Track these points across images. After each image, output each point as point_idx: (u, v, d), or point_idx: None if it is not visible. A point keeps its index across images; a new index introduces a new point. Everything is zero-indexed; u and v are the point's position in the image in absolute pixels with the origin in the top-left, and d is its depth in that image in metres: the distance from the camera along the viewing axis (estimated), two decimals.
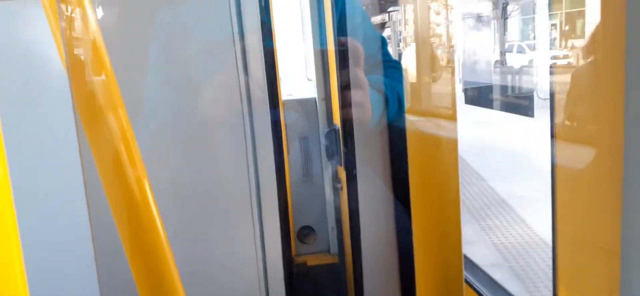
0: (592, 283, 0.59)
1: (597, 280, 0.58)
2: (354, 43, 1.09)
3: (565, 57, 0.79)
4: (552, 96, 0.72)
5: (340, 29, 1.12)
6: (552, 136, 0.72)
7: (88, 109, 0.57)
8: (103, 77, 0.58)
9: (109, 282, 0.95)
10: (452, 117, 0.89)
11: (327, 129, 1.35)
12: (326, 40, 1.25)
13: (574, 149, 0.67)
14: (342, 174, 1.29)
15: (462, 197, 0.99)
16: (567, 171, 0.65)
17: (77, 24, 0.56)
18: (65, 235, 1.03)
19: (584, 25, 0.64)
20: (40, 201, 0.94)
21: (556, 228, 0.63)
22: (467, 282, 1.01)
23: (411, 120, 1.03)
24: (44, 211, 0.98)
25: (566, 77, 0.70)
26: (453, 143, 0.90)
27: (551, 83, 0.73)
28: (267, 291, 1.17)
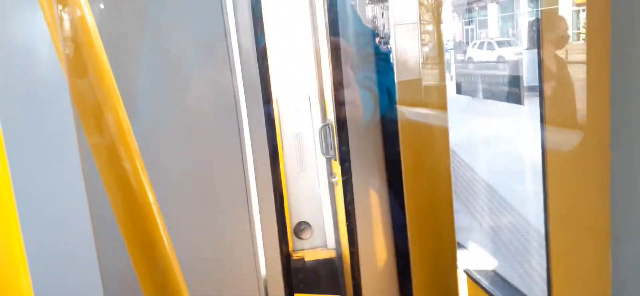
0: (584, 260, 0.61)
1: (588, 257, 0.60)
2: (345, 41, 1.11)
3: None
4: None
5: (332, 26, 1.13)
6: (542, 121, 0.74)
7: (85, 107, 0.58)
8: (98, 75, 0.58)
9: (111, 277, 0.95)
10: (442, 108, 0.91)
11: (321, 125, 1.36)
12: (318, 37, 1.26)
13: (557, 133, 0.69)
14: (337, 169, 1.30)
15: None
16: (556, 155, 0.67)
17: (74, 22, 0.56)
18: (66, 231, 1.04)
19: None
20: (40, 200, 0.94)
21: (548, 208, 0.64)
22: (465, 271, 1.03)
23: (402, 112, 1.05)
24: (45, 210, 0.98)
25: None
26: (444, 132, 0.92)
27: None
28: (266, 289, 1.18)
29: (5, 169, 0.44)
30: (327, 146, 1.34)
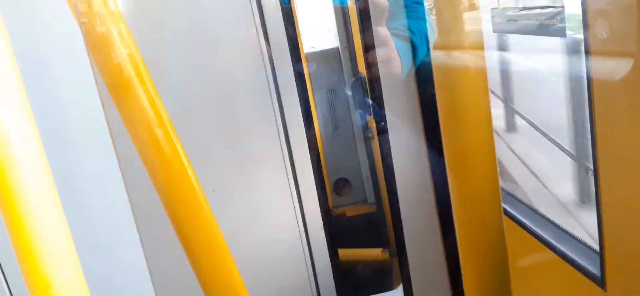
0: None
1: None
2: None
3: None
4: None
5: None
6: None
7: (116, 86, 0.58)
8: (126, 49, 0.58)
9: (156, 250, 0.99)
10: (479, 47, 0.86)
11: (353, 79, 1.33)
12: None
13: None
14: (372, 123, 1.28)
15: None
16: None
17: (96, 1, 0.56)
18: (108, 220, 1.07)
19: None
20: (79, 192, 0.98)
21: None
22: (506, 214, 1.00)
23: (437, 57, 1.00)
24: (85, 201, 1.02)
25: None
26: (482, 75, 0.87)
27: None
28: (309, 246, 1.19)
29: (46, 166, 0.44)
30: (360, 100, 1.31)
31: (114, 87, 0.59)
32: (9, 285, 1.02)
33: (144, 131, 0.59)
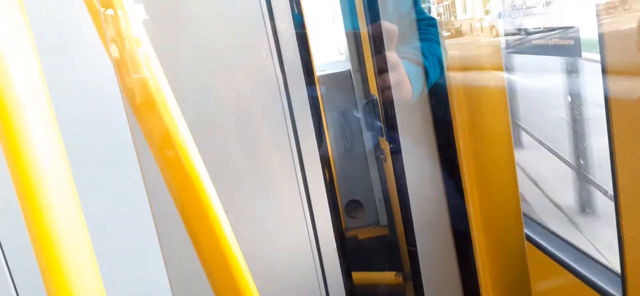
0: None
1: None
2: (386, 22, 1.07)
3: None
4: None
5: None
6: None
7: (139, 104, 0.59)
8: (148, 70, 0.59)
9: (177, 264, 0.99)
10: (498, 67, 0.86)
11: (365, 101, 1.34)
12: (356, 11, 1.23)
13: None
14: (385, 145, 1.27)
15: None
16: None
17: (117, 20, 0.57)
18: (130, 231, 1.08)
19: None
20: (101, 200, 0.98)
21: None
22: (528, 239, 0.98)
23: (453, 77, 1.00)
24: (106, 210, 1.02)
25: None
26: (501, 94, 0.87)
27: None
28: (322, 268, 1.18)
29: (68, 171, 0.45)
30: (371, 122, 1.31)
31: (136, 105, 0.60)
32: (17, 289, 1.03)
33: (163, 148, 0.59)
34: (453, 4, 1.08)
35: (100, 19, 0.58)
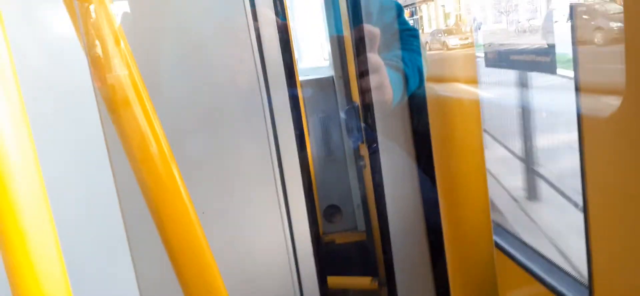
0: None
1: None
2: (369, 25, 1.08)
3: None
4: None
5: (355, 4, 1.10)
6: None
7: (114, 102, 0.58)
8: (125, 68, 0.58)
9: (146, 265, 0.97)
10: (472, 81, 0.88)
11: (346, 107, 1.34)
12: (341, 18, 1.24)
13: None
14: (365, 151, 1.28)
15: None
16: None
17: (95, 15, 0.56)
18: (99, 229, 1.06)
19: None
20: (72, 198, 0.97)
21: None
22: (497, 246, 1.00)
23: (431, 88, 1.02)
24: (77, 209, 1.01)
25: None
26: (475, 106, 0.89)
27: None
28: (298, 272, 1.18)
29: (38, 170, 0.44)
30: (352, 128, 1.32)
31: (111, 103, 0.60)
32: None
33: (138, 147, 0.59)
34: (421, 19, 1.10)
35: (76, 14, 0.57)
